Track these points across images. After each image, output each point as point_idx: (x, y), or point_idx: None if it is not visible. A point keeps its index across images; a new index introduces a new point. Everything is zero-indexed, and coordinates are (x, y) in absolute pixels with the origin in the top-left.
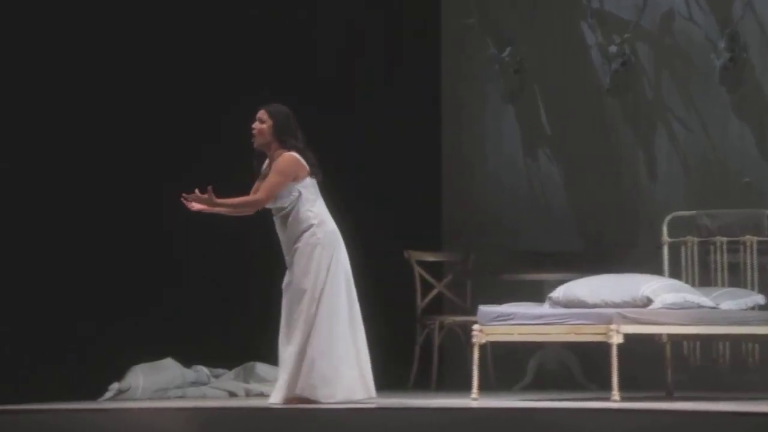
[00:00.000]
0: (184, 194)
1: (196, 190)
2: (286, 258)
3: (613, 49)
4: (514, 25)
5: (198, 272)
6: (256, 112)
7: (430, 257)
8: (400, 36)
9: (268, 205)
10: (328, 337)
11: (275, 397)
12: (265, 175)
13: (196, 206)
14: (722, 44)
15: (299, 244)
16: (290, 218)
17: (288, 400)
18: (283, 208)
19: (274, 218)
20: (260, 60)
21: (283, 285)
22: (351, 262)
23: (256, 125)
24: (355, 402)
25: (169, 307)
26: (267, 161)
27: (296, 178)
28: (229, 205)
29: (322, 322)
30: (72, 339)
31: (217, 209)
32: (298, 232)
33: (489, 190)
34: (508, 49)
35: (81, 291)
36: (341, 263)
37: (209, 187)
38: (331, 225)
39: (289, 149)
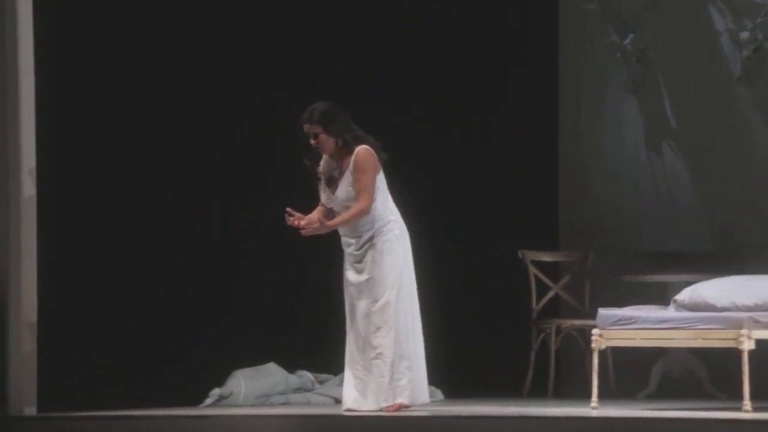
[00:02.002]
0: (293, 220)
1: (301, 217)
2: (355, 253)
3: (744, 34)
4: (637, 10)
5: (297, 276)
6: (300, 126)
7: (546, 257)
8: (516, 24)
9: (337, 199)
10: (413, 335)
11: (364, 404)
12: (329, 177)
13: (306, 232)
14: None
15: (376, 240)
16: (361, 219)
17: (383, 407)
18: (351, 206)
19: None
20: (362, 62)
21: (353, 281)
22: (461, 262)
23: (313, 141)
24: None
25: (270, 310)
26: (322, 163)
27: (377, 170)
28: (339, 223)
29: (406, 321)
30: (171, 344)
31: (328, 230)
32: (375, 228)
33: (609, 186)
34: (630, 37)
35: (178, 295)
36: (411, 260)
37: (320, 219)
38: (401, 219)
39: (354, 143)
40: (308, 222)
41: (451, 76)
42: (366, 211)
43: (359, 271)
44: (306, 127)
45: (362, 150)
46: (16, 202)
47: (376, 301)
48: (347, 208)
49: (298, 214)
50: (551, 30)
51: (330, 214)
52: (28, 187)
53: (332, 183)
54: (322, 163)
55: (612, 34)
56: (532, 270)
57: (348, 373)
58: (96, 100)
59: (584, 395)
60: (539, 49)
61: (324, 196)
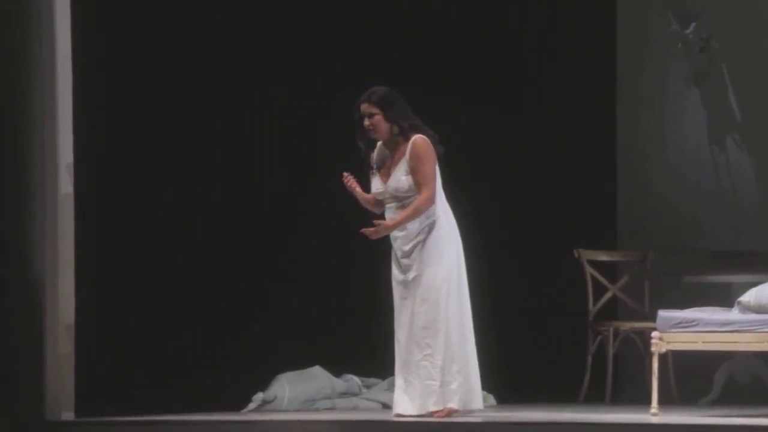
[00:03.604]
0: (348, 181)
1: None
2: (403, 248)
3: None
4: None
5: (343, 275)
6: (356, 108)
7: (603, 257)
8: (572, 14)
9: (388, 188)
10: (464, 338)
11: (412, 408)
12: (381, 167)
13: (375, 235)
14: None
15: (425, 236)
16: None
17: (432, 412)
18: (405, 197)
19: (387, 207)
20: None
21: (400, 280)
22: (514, 262)
23: (368, 121)
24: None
25: (315, 311)
26: (375, 152)
27: (435, 161)
28: (404, 220)
29: (456, 322)
30: (212, 346)
31: (394, 229)
32: (425, 223)
33: (670, 183)
34: (692, 25)
35: (219, 297)
36: (463, 259)
37: (381, 222)
38: (452, 216)
39: (411, 131)
40: (376, 229)
41: (506, 66)
42: (431, 202)
43: (406, 269)
44: (363, 107)
45: (419, 139)
46: (53, 200)
47: (424, 300)
48: (398, 198)
49: (353, 180)
50: (608, 20)
51: (379, 204)
52: (65, 184)
53: (384, 172)
54: (375, 151)
55: (673, 23)
56: (589, 270)
57: (398, 377)
58: (115, 99)
59: (643, 401)
60: (596, 40)
61: (374, 185)
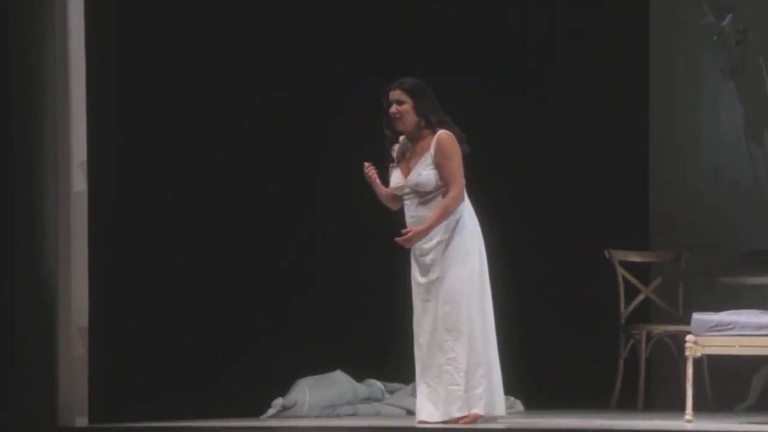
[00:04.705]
0: (369, 171)
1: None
2: (423, 246)
3: None
4: None
5: (364, 276)
6: (385, 94)
7: (635, 257)
8: (602, 5)
9: (409, 183)
10: (488, 341)
11: (436, 414)
12: (401, 160)
13: (409, 245)
14: None
15: (448, 236)
16: (433, 206)
17: (456, 418)
18: (426, 192)
19: (405, 203)
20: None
21: (421, 281)
22: (542, 262)
23: (396, 108)
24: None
25: (336, 314)
26: (397, 146)
27: (461, 157)
28: (435, 223)
29: (480, 325)
30: (231, 350)
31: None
32: (447, 222)
33: (705, 180)
34: (728, 17)
35: (237, 299)
36: (486, 259)
37: (409, 228)
38: (474, 216)
39: (438, 126)
40: (381, 194)
41: (533, 56)
42: (461, 199)
43: (427, 270)
44: (393, 93)
45: (444, 134)
46: (65, 199)
47: (448, 302)
48: (418, 194)
49: (374, 171)
50: (641, 11)
51: (396, 200)
52: (79, 182)
53: (403, 166)
54: (398, 144)
55: (708, 15)
56: (621, 271)
57: (420, 383)
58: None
59: (677, 407)
60: (628, 32)
61: (394, 179)
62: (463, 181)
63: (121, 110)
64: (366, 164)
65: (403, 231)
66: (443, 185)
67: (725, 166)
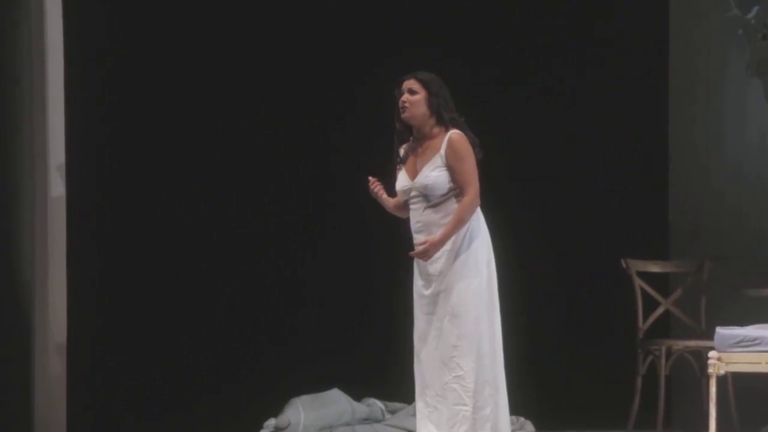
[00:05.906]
0: (374, 185)
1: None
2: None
3: None
4: None
5: (363, 289)
6: (399, 85)
7: (654, 268)
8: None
9: (415, 185)
10: (495, 357)
11: None
12: (406, 161)
13: (427, 258)
14: None
15: (455, 246)
16: (441, 211)
17: None
18: (435, 196)
19: (411, 207)
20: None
21: (425, 293)
22: (554, 273)
23: (406, 96)
24: None
25: (333, 329)
26: (404, 146)
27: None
28: (452, 232)
29: (490, 340)
30: (220, 367)
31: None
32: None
33: (729, 184)
34: (754, 10)
35: (227, 314)
36: (495, 269)
37: (424, 240)
38: (483, 222)
39: (450, 125)
40: (388, 206)
41: (543, 63)
42: (477, 203)
43: (432, 281)
44: (407, 83)
45: (456, 134)
46: (42, 205)
47: (455, 315)
48: (426, 197)
49: (380, 185)
50: (660, 2)
51: (404, 208)
52: (57, 187)
53: (409, 167)
54: (405, 146)
55: (733, 7)
56: (639, 282)
57: (419, 403)
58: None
59: (699, 428)
60: (646, 26)
61: (400, 181)
62: (478, 183)
63: (103, 110)
64: (371, 179)
65: (417, 243)
66: (455, 188)
67: (751, 169)
